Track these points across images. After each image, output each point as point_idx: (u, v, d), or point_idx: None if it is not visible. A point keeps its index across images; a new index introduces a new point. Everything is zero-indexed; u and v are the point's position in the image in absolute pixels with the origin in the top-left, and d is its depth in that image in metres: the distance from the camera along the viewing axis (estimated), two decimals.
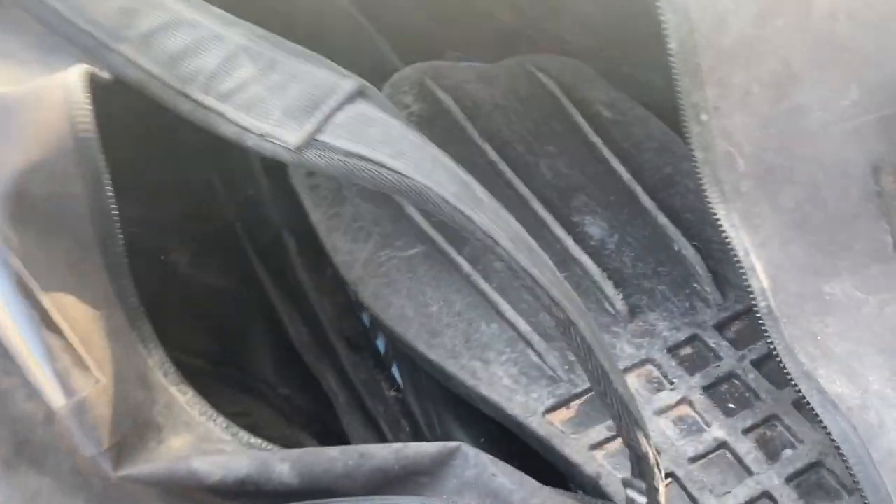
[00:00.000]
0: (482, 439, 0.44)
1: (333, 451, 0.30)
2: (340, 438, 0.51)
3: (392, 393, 0.51)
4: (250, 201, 0.56)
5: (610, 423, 0.37)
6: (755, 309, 0.34)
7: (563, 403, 0.39)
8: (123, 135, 0.49)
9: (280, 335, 0.56)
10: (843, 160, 0.34)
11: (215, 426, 0.33)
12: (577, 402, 0.39)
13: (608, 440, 0.37)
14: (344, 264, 0.46)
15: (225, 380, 0.52)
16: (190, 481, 0.29)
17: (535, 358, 0.40)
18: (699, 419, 0.37)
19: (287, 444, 0.44)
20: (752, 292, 0.34)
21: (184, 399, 0.33)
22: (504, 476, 0.29)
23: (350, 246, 0.47)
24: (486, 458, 0.30)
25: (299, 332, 0.55)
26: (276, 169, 0.53)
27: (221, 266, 0.57)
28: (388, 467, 0.29)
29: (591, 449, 0.37)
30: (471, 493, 0.29)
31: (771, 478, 0.35)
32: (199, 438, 0.32)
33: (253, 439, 0.33)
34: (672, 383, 0.38)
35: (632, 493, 0.29)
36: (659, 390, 0.38)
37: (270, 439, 0.44)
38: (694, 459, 0.36)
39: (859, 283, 0.34)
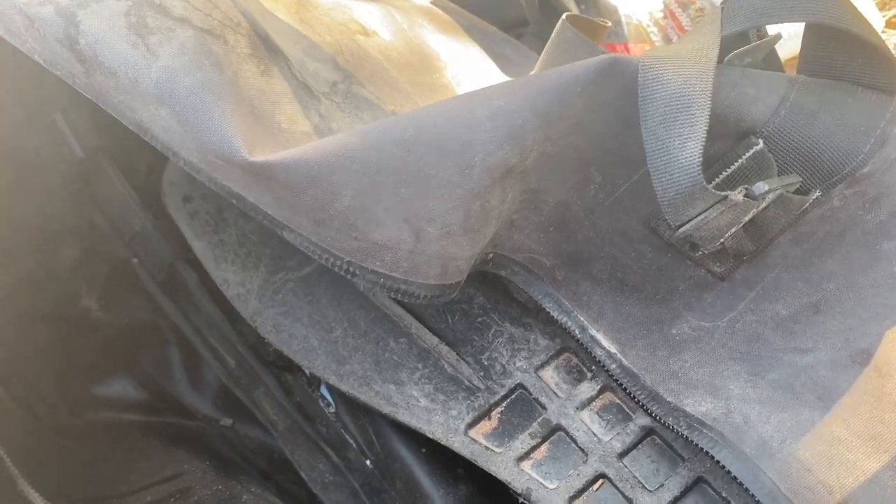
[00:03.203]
0: (423, 450, 0.42)
1: None
2: (289, 468, 0.49)
3: (331, 410, 0.49)
4: (139, 237, 0.52)
5: (534, 429, 0.35)
6: (608, 374, 0.34)
7: (484, 415, 0.36)
8: None
9: (210, 367, 0.53)
10: (622, 230, 0.34)
11: None
12: (498, 409, 0.36)
13: (534, 448, 0.35)
14: (237, 298, 0.43)
15: (157, 433, 0.50)
16: None
17: (448, 369, 0.37)
18: (624, 406, 0.35)
19: (219, 501, 0.43)
20: (599, 362, 0.33)
21: None
22: None
23: (241, 276, 0.43)
24: None
25: (224, 364, 0.52)
26: (156, 201, 0.49)
27: (132, 304, 0.54)
28: None
29: (518, 461, 0.34)
30: None
31: (703, 460, 0.33)
32: None
33: None
34: (591, 370, 0.36)
35: None
36: (580, 380, 0.36)
37: (201, 501, 0.43)
38: (623, 454, 0.34)
39: (701, 315, 0.34)
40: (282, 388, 0.51)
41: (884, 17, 0.76)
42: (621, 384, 0.33)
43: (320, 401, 0.49)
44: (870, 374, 0.31)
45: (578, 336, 0.34)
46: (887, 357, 0.31)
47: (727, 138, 0.32)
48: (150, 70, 0.28)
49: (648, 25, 0.60)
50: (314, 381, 0.49)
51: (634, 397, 0.33)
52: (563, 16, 0.38)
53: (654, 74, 0.30)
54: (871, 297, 0.33)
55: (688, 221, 0.30)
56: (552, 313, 0.34)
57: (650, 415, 0.32)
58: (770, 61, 0.38)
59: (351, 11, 0.43)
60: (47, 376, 0.46)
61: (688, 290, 0.34)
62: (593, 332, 0.33)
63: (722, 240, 0.31)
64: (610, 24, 0.44)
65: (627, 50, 0.59)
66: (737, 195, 0.30)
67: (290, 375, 0.51)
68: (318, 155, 0.28)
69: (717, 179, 0.32)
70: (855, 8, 0.32)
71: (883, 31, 0.75)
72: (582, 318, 0.33)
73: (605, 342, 0.33)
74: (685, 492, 0.32)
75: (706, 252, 0.32)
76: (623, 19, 0.59)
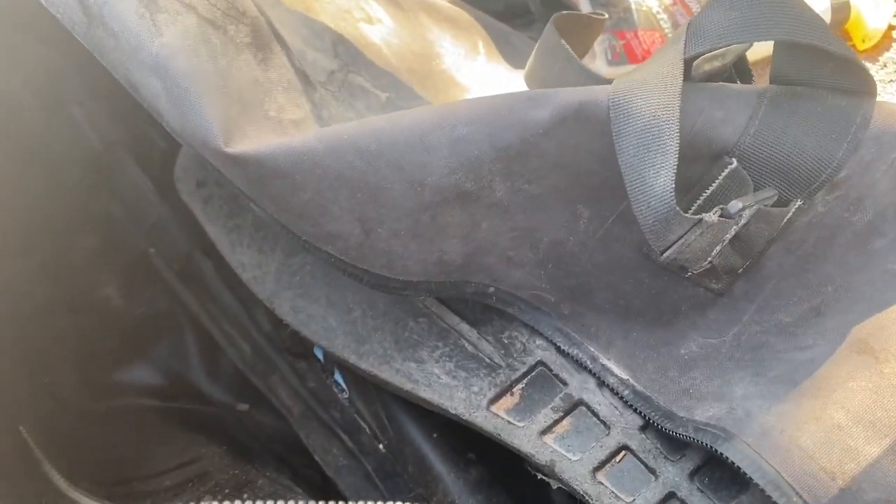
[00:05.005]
0: (435, 434, 0.42)
1: None
2: (304, 452, 0.49)
3: (345, 396, 0.49)
4: (156, 227, 0.53)
5: (555, 403, 0.35)
6: (622, 399, 0.34)
7: (506, 390, 0.36)
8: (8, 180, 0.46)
9: (226, 354, 0.54)
10: (617, 259, 0.35)
11: None
12: (519, 386, 0.36)
13: (556, 422, 0.35)
14: (254, 281, 0.43)
15: (175, 419, 0.50)
16: None
17: (469, 348, 0.38)
18: None
19: (236, 485, 0.43)
20: (612, 388, 0.34)
21: None
22: None
23: (257, 259, 0.44)
24: None
25: (240, 351, 0.52)
26: (173, 192, 0.49)
27: (150, 293, 0.54)
28: None
29: (541, 435, 0.35)
30: None
31: None
32: None
33: None
34: None
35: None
36: None
37: (218, 485, 0.43)
38: (645, 427, 0.34)
39: (707, 333, 0.35)
40: (296, 374, 0.51)
41: None
42: (635, 408, 0.34)
43: (334, 387, 0.50)
44: (868, 361, 0.31)
45: (590, 366, 0.35)
46: (884, 343, 0.31)
47: (702, 161, 0.33)
48: (153, 44, 0.30)
49: (658, 12, 0.60)
50: (328, 368, 0.49)
51: (648, 418, 0.33)
52: (552, 18, 0.38)
53: (625, 109, 0.31)
54: (869, 293, 0.33)
55: (671, 245, 0.31)
56: (562, 347, 0.35)
57: (662, 431, 0.33)
58: (740, 65, 0.38)
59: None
60: (69, 363, 0.46)
61: (690, 309, 0.35)
62: (604, 361, 0.35)
63: (709, 259, 0.32)
64: (606, 16, 0.45)
65: (637, 37, 0.59)
66: (712, 216, 0.31)
67: (304, 362, 0.51)
68: (285, 154, 0.30)
69: (698, 201, 0.33)
70: (821, 21, 0.32)
71: (895, 15, 0.75)
72: (592, 349, 0.35)
73: (616, 370, 0.34)
74: (708, 460, 0.32)
75: (695, 272, 0.33)
76: (633, 6, 0.59)
